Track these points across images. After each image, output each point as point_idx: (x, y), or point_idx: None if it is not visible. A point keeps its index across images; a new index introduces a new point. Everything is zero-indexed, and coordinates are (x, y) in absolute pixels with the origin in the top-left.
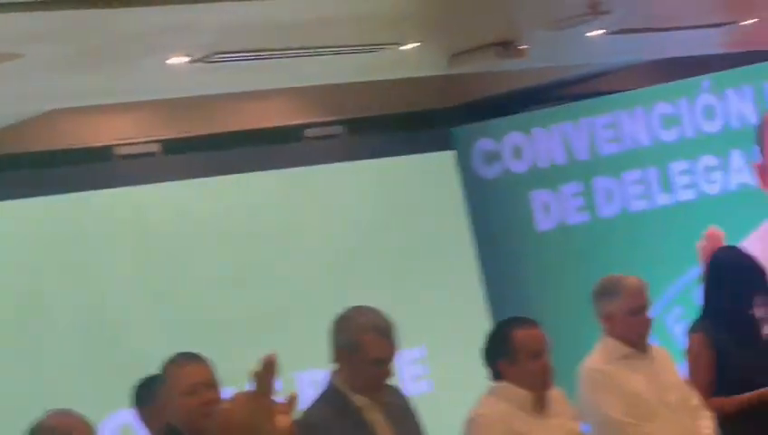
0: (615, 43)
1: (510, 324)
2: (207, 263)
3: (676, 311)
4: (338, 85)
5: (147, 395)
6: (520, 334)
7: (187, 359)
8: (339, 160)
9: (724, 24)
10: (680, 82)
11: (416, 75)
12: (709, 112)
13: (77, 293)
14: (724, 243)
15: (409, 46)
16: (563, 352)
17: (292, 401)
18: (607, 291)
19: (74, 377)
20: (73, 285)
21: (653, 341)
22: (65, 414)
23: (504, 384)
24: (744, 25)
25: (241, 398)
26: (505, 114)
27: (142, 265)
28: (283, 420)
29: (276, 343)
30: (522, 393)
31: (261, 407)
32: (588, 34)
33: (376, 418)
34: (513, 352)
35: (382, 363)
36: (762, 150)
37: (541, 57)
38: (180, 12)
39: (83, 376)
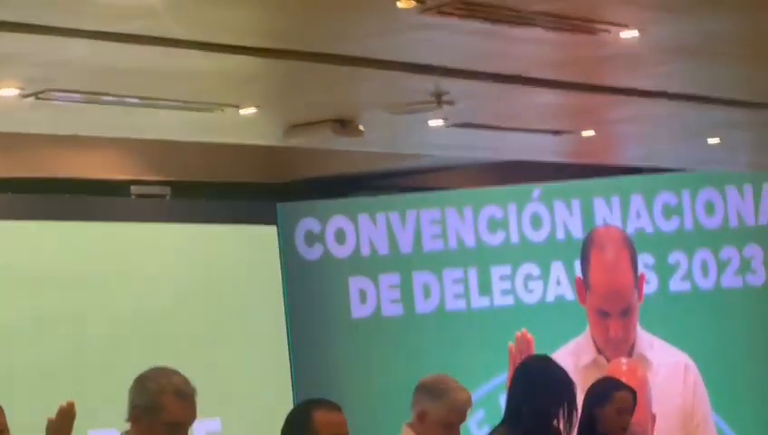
0: (455, 137)
1: (312, 406)
2: (9, 309)
3: (479, 414)
4: (169, 145)
5: None
6: (321, 417)
7: None
8: (162, 220)
9: (564, 131)
10: (511, 187)
11: (252, 142)
12: (536, 221)
13: None
14: (535, 349)
15: (247, 111)
16: None
17: None
18: (432, 391)
19: None
20: None
21: None
22: None
23: None
24: (582, 136)
25: None
26: (333, 197)
27: None
28: None
29: (74, 396)
30: None
31: None
32: (429, 124)
33: None
34: (312, 433)
35: (179, 427)
36: (583, 266)
37: (379, 141)
38: (10, 41)
39: None
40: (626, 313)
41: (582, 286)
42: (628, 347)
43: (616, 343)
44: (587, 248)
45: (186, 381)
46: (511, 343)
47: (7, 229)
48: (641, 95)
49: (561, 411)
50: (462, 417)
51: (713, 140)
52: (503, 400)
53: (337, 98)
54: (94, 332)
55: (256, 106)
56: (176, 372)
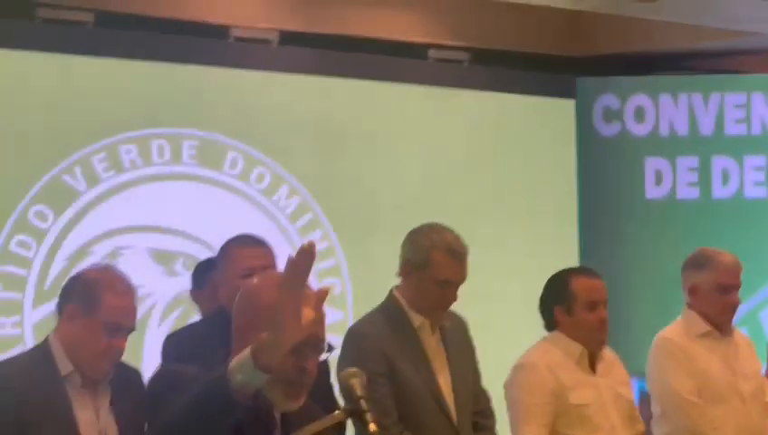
0: (759, 9)
1: (571, 272)
2: (289, 159)
3: None
4: (471, 10)
5: (202, 277)
6: (579, 282)
7: (249, 241)
8: (458, 86)
9: None
10: None
11: (546, 4)
12: None
13: None
14: None
15: None
16: (649, 322)
17: (322, 295)
18: (698, 263)
19: None
20: None
21: (743, 331)
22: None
23: (557, 334)
24: None
25: (269, 278)
26: (632, 74)
27: None
28: (308, 314)
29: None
30: (574, 346)
31: (289, 294)
32: None
33: (431, 340)
34: (570, 299)
35: (449, 286)
36: None
37: (674, 10)
38: None
39: None
40: None
41: None
42: None
43: None
44: None
45: (458, 238)
46: None
47: (302, 83)
48: None
49: None
50: (735, 277)
51: None
52: None
53: None
54: (374, 190)
55: None
56: (449, 230)
